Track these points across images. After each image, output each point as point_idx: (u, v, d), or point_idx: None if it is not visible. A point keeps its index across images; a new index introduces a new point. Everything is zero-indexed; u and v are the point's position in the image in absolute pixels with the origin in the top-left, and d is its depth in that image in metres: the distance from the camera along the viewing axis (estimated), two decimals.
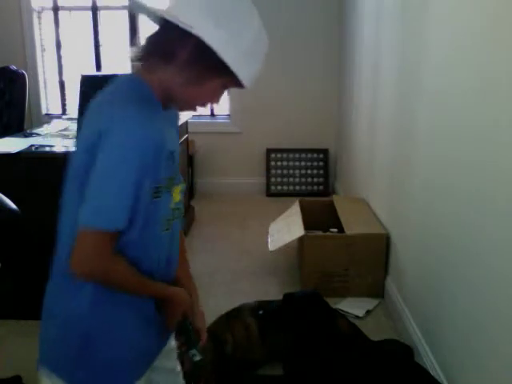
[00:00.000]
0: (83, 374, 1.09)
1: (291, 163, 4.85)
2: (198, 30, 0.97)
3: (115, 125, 0.96)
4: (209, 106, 1.13)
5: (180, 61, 1.01)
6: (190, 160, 4.42)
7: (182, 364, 1.23)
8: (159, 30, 1.04)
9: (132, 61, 1.08)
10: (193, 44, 0.99)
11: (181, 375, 1.35)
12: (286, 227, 3.11)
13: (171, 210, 1.11)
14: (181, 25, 0.97)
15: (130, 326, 1.12)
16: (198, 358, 1.17)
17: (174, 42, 1.01)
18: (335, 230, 3.07)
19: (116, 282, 1.06)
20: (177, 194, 1.12)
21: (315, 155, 4.84)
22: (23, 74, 3.70)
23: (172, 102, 1.09)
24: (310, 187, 4.85)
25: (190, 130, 3.86)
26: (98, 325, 1.08)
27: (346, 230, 2.89)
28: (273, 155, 4.84)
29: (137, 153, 0.96)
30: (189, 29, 0.97)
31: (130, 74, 1.08)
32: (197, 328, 1.23)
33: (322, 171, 4.85)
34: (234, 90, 1.11)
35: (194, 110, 1.13)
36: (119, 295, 1.07)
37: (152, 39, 1.05)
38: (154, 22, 1.07)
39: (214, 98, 1.09)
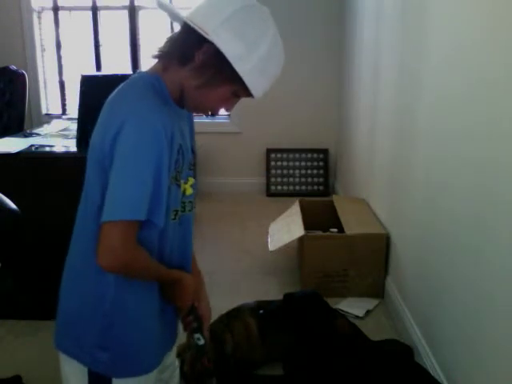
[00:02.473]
0: (105, 356, 1.12)
1: (291, 163, 4.85)
2: (215, 38, 1.02)
3: (130, 116, 1.01)
4: (220, 111, 1.17)
5: (195, 64, 1.06)
6: None
7: (189, 347, 1.27)
8: (180, 32, 1.09)
9: (151, 58, 1.13)
10: (209, 50, 1.04)
11: (178, 370, 1.40)
12: (286, 227, 3.11)
13: (180, 201, 1.15)
14: (199, 30, 1.03)
15: (148, 313, 1.16)
16: (202, 342, 1.23)
17: (191, 46, 1.06)
18: (335, 230, 3.07)
19: (139, 272, 1.09)
20: (188, 187, 1.17)
21: (315, 155, 4.84)
22: (23, 74, 3.70)
23: (184, 103, 1.13)
24: (310, 187, 4.85)
25: None
26: (120, 309, 1.11)
27: (345, 230, 2.89)
28: (273, 155, 4.84)
29: (152, 141, 1.00)
30: (205, 35, 1.02)
31: (146, 73, 1.13)
32: (201, 314, 1.27)
33: (322, 171, 4.84)
34: None
35: (206, 114, 1.17)
36: (137, 282, 1.11)
37: (172, 40, 1.10)
38: (175, 21, 1.12)
39: (225, 104, 1.14)
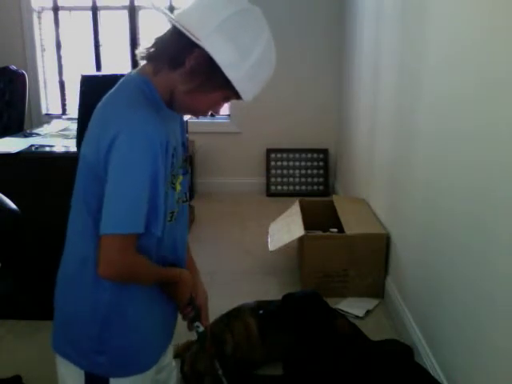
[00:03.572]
0: (102, 359, 1.12)
1: (291, 163, 4.85)
2: (207, 45, 0.99)
3: (124, 128, 0.99)
4: (209, 114, 1.15)
5: (186, 69, 1.04)
6: (190, 160, 4.42)
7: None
8: (171, 33, 1.05)
9: (140, 59, 1.10)
10: (200, 55, 1.01)
11: (175, 371, 1.41)
12: (286, 227, 3.11)
13: (175, 202, 1.14)
14: (190, 36, 0.99)
15: (145, 314, 1.16)
16: (201, 328, 1.27)
17: (182, 50, 1.03)
18: (335, 230, 3.07)
19: (140, 279, 1.11)
20: (178, 185, 1.15)
21: (315, 155, 4.84)
22: (23, 74, 3.70)
23: (174, 106, 1.11)
24: (310, 187, 4.85)
25: (190, 129, 3.85)
26: (116, 313, 1.11)
27: (345, 230, 2.89)
28: (273, 155, 4.84)
29: (147, 152, 0.99)
30: (197, 41, 0.99)
31: (136, 75, 1.10)
32: (198, 303, 1.28)
33: (322, 171, 4.84)
34: None
35: (195, 116, 1.16)
36: (133, 285, 1.12)
37: (162, 42, 1.07)
38: (168, 22, 1.08)
39: (215, 107, 1.12)
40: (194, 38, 0.99)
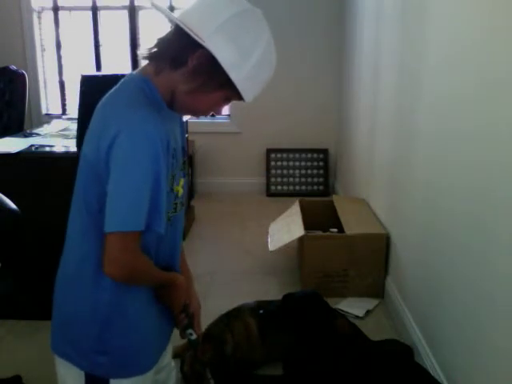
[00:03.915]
0: (103, 359, 1.12)
1: (291, 163, 4.85)
2: (210, 45, 0.99)
3: (124, 128, 1.00)
4: (210, 114, 1.15)
5: (188, 69, 1.04)
6: (190, 160, 4.42)
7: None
8: (173, 33, 1.06)
9: (142, 59, 1.11)
10: (203, 55, 1.01)
11: (174, 371, 1.41)
12: (286, 227, 3.11)
13: (173, 204, 1.14)
14: (194, 36, 1.00)
15: (145, 315, 1.17)
16: (194, 336, 1.27)
17: (184, 50, 1.03)
18: (335, 230, 3.07)
19: (142, 279, 1.12)
20: (180, 188, 1.16)
21: (315, 155, 4.84)
22: (23, 74, 3.70)
23: (174, 106, 1.12)
24: (310, 187, 4.85)
25: (190, 129, 3.85)
26: (117, 313, 1.11)
27: (345, 230, 2.89)
28: (273, 155, 4.84)
29: (148, 151, 1.00)
30: (201, 42, 1.00)
31: (137, 75, 1.10)
32: (192, 310, 1.28)
33: (322, 171, 4.85)
34: None
35: (196, 116, 1.17)
36: (133, 285, 1.12)
37: (164, 42, 1.07)
38: (169, 22, 1.09)
39: (216, 108, 1.13)
40: (197, 38, 1.00)
